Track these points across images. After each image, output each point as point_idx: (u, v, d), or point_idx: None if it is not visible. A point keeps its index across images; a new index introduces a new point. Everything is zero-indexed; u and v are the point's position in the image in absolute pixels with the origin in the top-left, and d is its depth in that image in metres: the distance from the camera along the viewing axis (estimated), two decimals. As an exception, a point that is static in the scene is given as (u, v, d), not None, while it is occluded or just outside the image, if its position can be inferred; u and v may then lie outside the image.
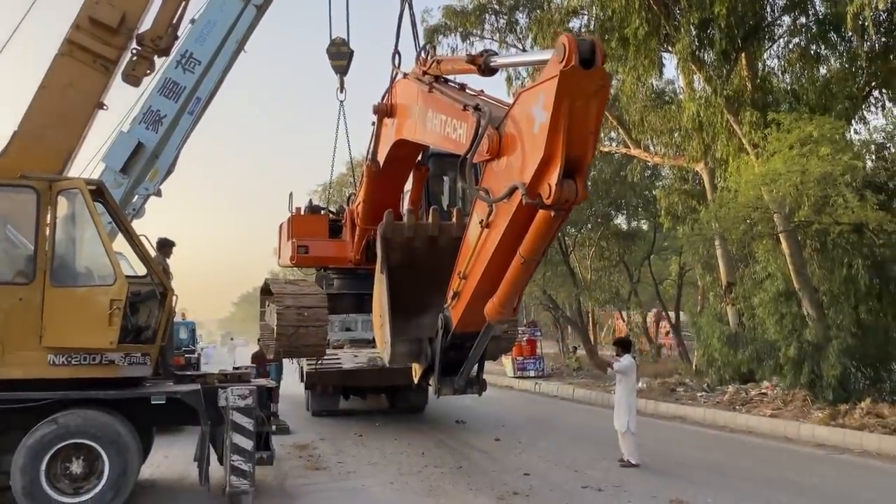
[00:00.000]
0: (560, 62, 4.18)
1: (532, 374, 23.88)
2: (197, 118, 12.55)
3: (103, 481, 6.86)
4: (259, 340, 15.08)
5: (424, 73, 7.72)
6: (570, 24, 20.36)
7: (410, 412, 14.64)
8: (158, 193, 12.51)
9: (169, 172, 12.65)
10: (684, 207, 21.53)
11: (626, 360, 10.02)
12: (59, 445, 6.80)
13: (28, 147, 7.46)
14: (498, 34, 23.96)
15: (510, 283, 5.21)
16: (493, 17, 23.62)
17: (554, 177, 4.35)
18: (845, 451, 10.81)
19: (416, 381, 7.13)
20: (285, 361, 16.04)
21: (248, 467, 6.27)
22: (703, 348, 18.81)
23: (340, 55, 15.32)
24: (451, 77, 7.43)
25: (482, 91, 6.77)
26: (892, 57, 15.81)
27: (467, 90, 7.02)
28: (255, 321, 17.81)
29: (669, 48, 17.41)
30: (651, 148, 22.16)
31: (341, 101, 16.23)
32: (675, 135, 20.15)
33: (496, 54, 6.65)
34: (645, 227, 30.15)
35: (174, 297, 7.75)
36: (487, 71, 6.37)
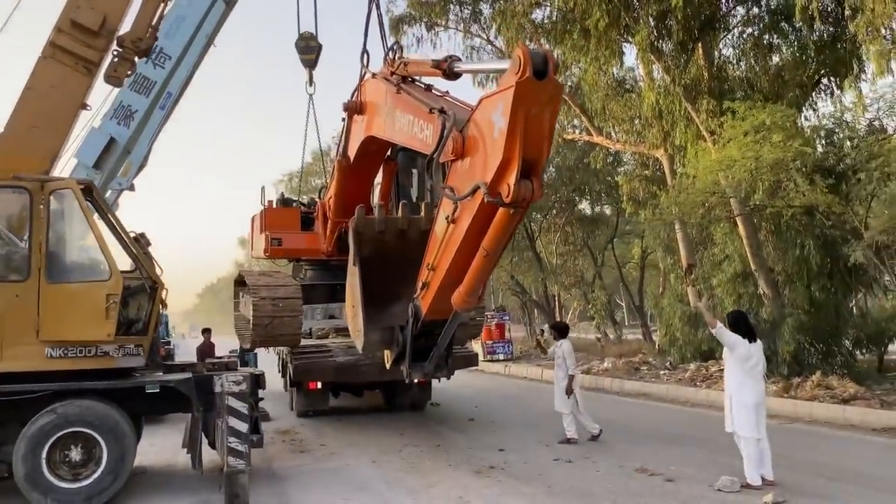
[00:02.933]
0: (516, 73, 4.60)
1: (501, 357, 24.51)
2: (168, 113, 12.77)
3: (102, 467, 7.16)
4: (236, 330, 15.22)
5: (392, 73, 8.10)
6: (533, 16, 20.82)
7: (411, 410, 13.47)
8: (132, 188, 12.72)
9: (141, 167, 12.86)
10: (645, 193, 22.26)
11: (566, 344, 10.46)
12: (59, 434, 7.08)
13: (15, 148, 7.66)
14: (462, 24, 24.29)
15: (474, 274, 5.65)
16: (458, 7, 23.90)
17: (512, 177, 4.80)
18: (796, 420, 11.56)
19: (388, 366, 7.52)
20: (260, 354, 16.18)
21: (244, 448, 6.65)
22: (666, 328, 19.59)
23: (309, 49, 15.50)
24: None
25: (447, 92, 7.17)
26: (839, 46, 16.58)
27: (433, 90, 7.43)
28: (219, 312, 17.99)
29: (629, 38, 17.99)
30: (613, 135, 22.77)
31: (310, 94, 16.47)
32: (636, 122, 20.81)
33: (460, 60, 7.08)
34: (608, 212, 30.91)
35: (164, 291, 8.06)
36: (451, 75, 6.78)
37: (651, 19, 17.23)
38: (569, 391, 10.11)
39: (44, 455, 7.02)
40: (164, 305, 8.33)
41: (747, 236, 16.23)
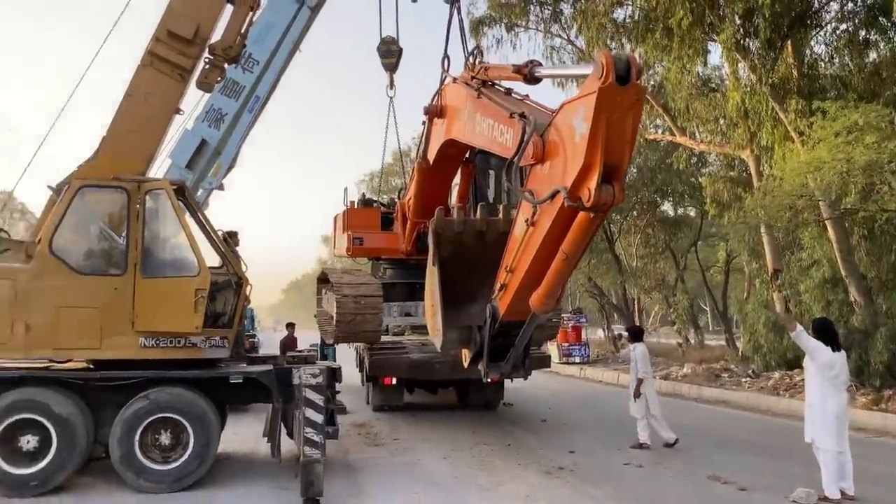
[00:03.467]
0: (598, 78, 4.62)
1: (577, 359, 24.33)
2: (256, 115, 13.32)
3: (189, 451, 7.63)
4: (318, 325, 15.68)
5: (473, 77, 8.23)
6: (615, 15, 20.53)
7: (484, 409, 13.58)
8: (221, 187, 13.35)
9: (231, 167, 13.48)
10: (730, 195, 21.60)
11: (640, 347, 10.43)
12: (151, 419, 7.58)
13: (115, 150, 8.21)
14: (542, 24, 24.17)
15: (553, 277, 5.68)
16: (538, 7, 23.81)
17: (593, 182, 4.82)
18: (885, 434, 11.05)
19: (465, 365, 7.66)
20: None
21: (320, 439, 6.92)
22: (749, 334, 18.99)
23: (390, 53, 15.87)
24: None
25: (527, 96, 7.24)
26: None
27: (513, 94, 7.50)
28: (303, 307, 18.58)
29: (714, 37, 17.54)
30: (697, 135, 22.25)
31: (391, 97, 16.85)
32: (721, 122, 20.26)
33: (541, 65, 7.10)
34: (692, 213, 30.13)
35: (249, 287, 8.47)
36: (532, 80, 6.83)
37: (737, 17, 16.72)
38: (636, 394, 10.05)
39: (137, 438, 7.53)
40: (248, 300, 8.74)
41: (837, 241, 15.56)
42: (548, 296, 5.84)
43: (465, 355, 7.53)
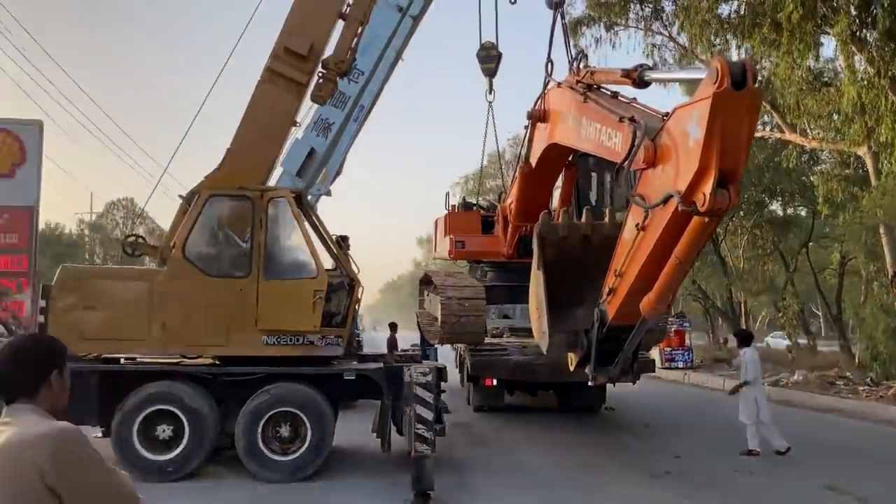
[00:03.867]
0: (713, 83, 4.65)
1: (681, 365, 23.72)
2: (361, 124, 13.84)
3: (306, 444, 8.11)
4: (418, 326, 16.04)
5: (578, 81, 8.29)
6: (719, 10, 20.01)
7: (584, 412, 13.54)
8: (328, 193, 13.95)
9: (338, 174, 14.06)
10: (845, 194, 20.63)
11: (749, 352, 10.20)
12: (272, 412, 8.12)
13: (239, 161, 8.81)
14: (643, 22, 23.80)
15: (665, 281, 5.67)
16: (638, 5, 23.48)
17: (708, 187, 4.83)
18: None
19: (571, 369, 7.71)
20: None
21: (430, 435, 7.22)
22: (867, 341, 18.08)
23: (489, 58, 16.06)
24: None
25: (634, 99, 7.24)
26: None
27: (620, 98, 7.52)
28: (399, 308, 19.01)
29: (827, 30, 16.82)
30: (808, 132, 21.36)
31: (490, 102, 17.04)
32: (835, 118, 19.39)
33: (651, 69, 7.07)
34: (803, 213, 28.82)
35: (360, 288, 8.90)
36: (641, 84, 6.81)
37: (852, 7, 16.00)
38: (732, 391, 9.98)
39: (259, 430, 8.07)
40: (359, 302, 9.18)
41: (966, 242, 14.62)
42: (659, 300, 5.82)
43: (572, 359, 7.56)
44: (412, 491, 7.25)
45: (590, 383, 7.55)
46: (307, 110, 12.46)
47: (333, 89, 9.76)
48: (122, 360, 8.49)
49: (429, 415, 7.30)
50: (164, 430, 8.02)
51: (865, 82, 16.38)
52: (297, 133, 12.60)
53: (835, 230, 23.59)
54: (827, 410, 14.63)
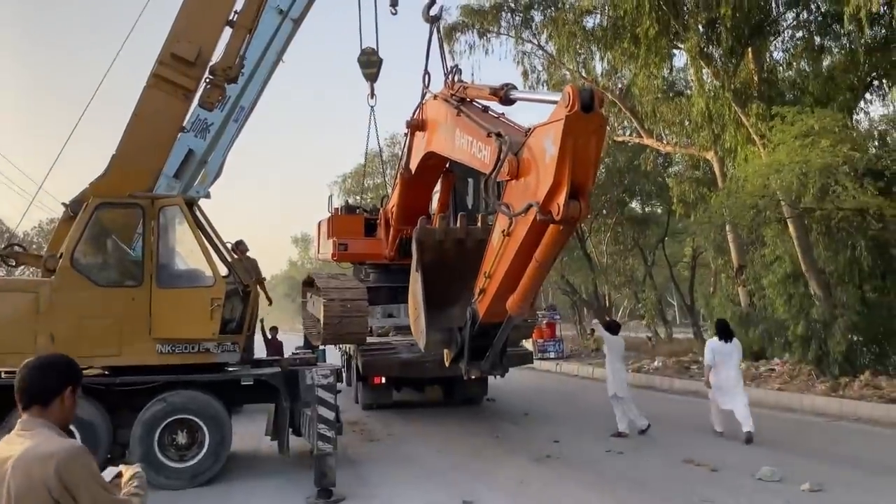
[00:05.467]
0: (566, 107, 5.24)
1: (552, 355, 25.06)
2: (241, 125, 13.77)
3: (204, 450, 8.18)
4: (304, 328, 16.11)
5: (452, 94, 8.81)
6: (585, 23, 21.35)
7: (468, 404, 14.27)
8: (208, 196, 13.77)
9: (217, 176, 13.90)
10: (695, 194, 22.56)
11: (603, 333, 11.68)
12: (168, 420, 8.12)
13: (125, 168, 8.70)
14: (514, 31, 24.84)
15: (528, 282, 6.24)
16: (510, 14, 24.49)
17: (562, 198, 5.40)
18: (842, 418, 11.97)
19: (447, 364, 8.20)
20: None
21: (332, 434, 7.53)
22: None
23: (370, 64, 16.37)
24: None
25: (503, 114, 7.85)
26: (892, 47, 16.69)
27: (490, 112, 8.11)
28: (274, 308, 18.84)
29: (679, 45, 18.41)
30: (663, 137, 23.16)
31: (371, 106, 17.35)
32: (686, 125, 21.17)
33: (515, 88, 7.68)
34: (659, 211, 31.12)
35: (259, 294, 9.01)
36: (507, 102, 7.44)
37: (700, 26, 17.63)
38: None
39: (156, 438, 8.06)
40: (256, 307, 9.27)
41: (798, 238, 16.45)
42: (523, 300, 6.36)
43: (447, 355, 7.96)
44: (315, 488, 7.54)
45: (463, 377, 8.08)
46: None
47: (222, 95, 9.79)
48: (3, 374, 8.17)
49: (331, 415, 7.61)
50: (52, 445, 7.81)
51: (712, 94, 18.06)
52: (176, 135, 12.44)
53: (687, 227, 25.68)
54: (685, 393, 16.12)
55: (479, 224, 8.28)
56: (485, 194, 8.64)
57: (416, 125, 10.09)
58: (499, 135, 6.53)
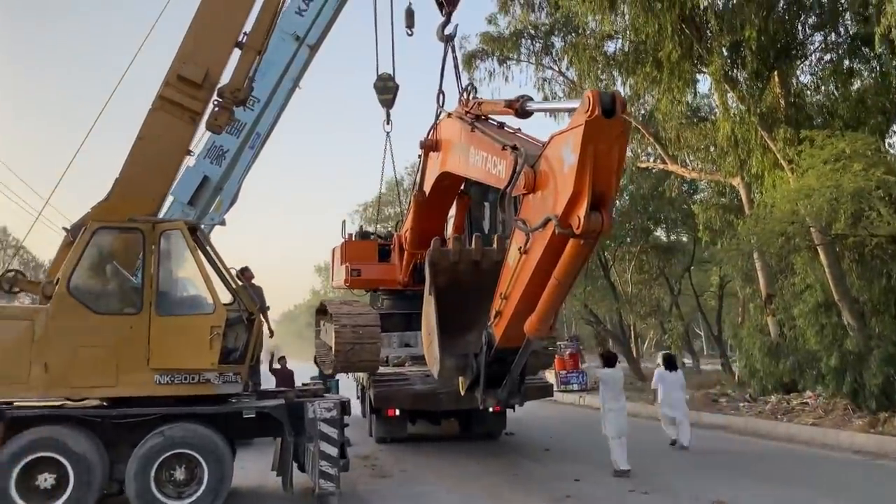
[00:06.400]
0: (585, 112, 4.92)
1: (575, 387, 24.36)
2: (257, 152, 13.61)
3: (203, 486, 7.75)
4: (317, 357, 15.73)
5: (467, 112, 8.52)
6: (606, 48, 21.08)
7: (486, 438, 13.65)
8: (223, 223, 13.56)
9: (232, 202, 13.71)
10: (722, 221, 21.99)
11: (603, 371, 11.12)
12: (166, 455, 7.71)
13: (128, 192, 8.44)
14: (534, 57, 24.69)
15: (547, 302, 5.88)
16: (529, 41, 24.36)
17: (582, 210, 5.07)
18: (883, 457, 11.24)
19: (462, 392, 7.76)
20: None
21: (335, 472, 7.11)
22: (745, 359, 19.19)
23: (387, 90, 16.22)
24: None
25: (519, 129, 7.53)
26: (925, 69, 16.15)
27: (506, 128, 7.78)
28: (297, 338, 18.57)
29: (703, 69, 18.02)
30: (688, 163, 22.70)
31: (388, 132, 17.19)
32: (711, 150, 20.71)
33: (531, 100, 7.39)
34: (685, 239, 30.49)
35: (262, 322, 8.66)
36: (523, 114, 7.12)
37: (724, 49, 17.24)
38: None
39: (152, 474, 7.65)
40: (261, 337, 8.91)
41: (829, 265, 15.83)
42: (542, 321, 6.00)
43: (462, 383, 7.62)
44: (317, 530, 7.10)
45: (479, 406, 7.60)
46: (200, 136, 12.06)
47: (230, 118, 9.54)
48: (-3, 405, 7.86)
49: (333, 451, 7.20)
50: (45, 479, 7.45)
51: (738, 118, 17.60)
52: (189, 160, 12.25)
53: (714, 255, 25.06)
54: (713, 427, 15.43)
55: (495, 245, 7.91)
56: (500, 210, 8.29)
57: (430, 146, 9.86)
58: (514, 147, 6.21)
